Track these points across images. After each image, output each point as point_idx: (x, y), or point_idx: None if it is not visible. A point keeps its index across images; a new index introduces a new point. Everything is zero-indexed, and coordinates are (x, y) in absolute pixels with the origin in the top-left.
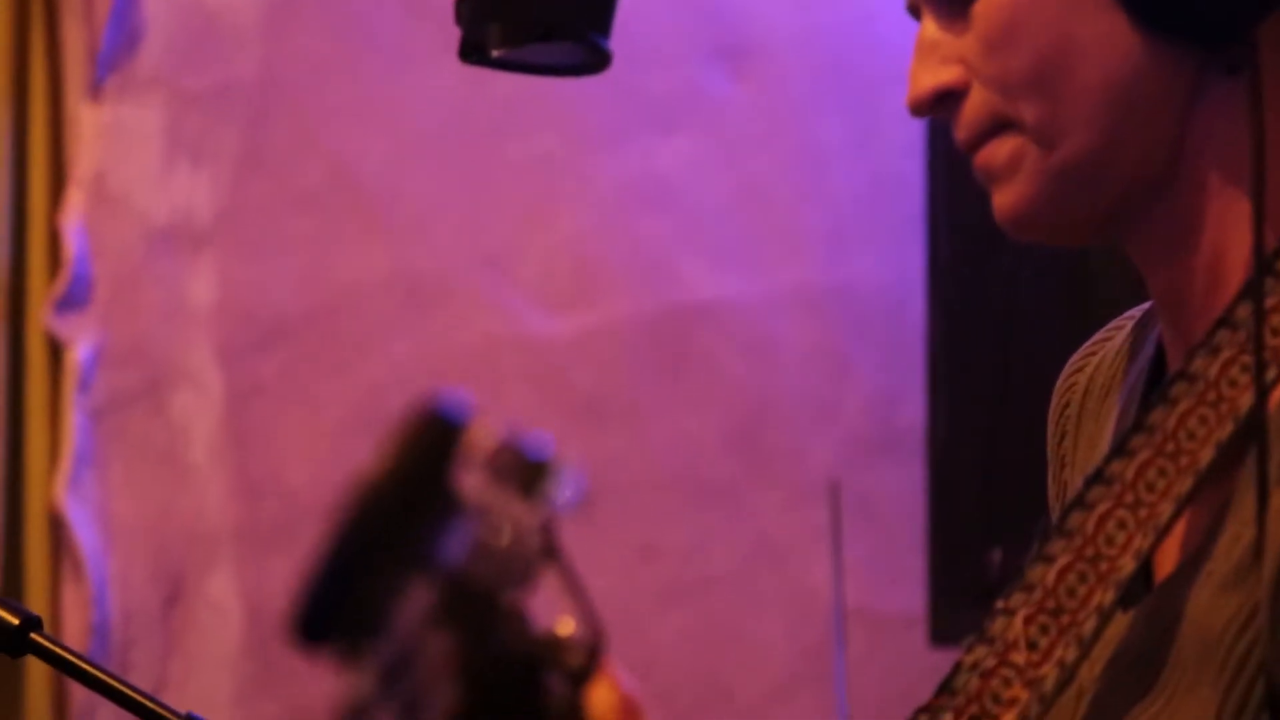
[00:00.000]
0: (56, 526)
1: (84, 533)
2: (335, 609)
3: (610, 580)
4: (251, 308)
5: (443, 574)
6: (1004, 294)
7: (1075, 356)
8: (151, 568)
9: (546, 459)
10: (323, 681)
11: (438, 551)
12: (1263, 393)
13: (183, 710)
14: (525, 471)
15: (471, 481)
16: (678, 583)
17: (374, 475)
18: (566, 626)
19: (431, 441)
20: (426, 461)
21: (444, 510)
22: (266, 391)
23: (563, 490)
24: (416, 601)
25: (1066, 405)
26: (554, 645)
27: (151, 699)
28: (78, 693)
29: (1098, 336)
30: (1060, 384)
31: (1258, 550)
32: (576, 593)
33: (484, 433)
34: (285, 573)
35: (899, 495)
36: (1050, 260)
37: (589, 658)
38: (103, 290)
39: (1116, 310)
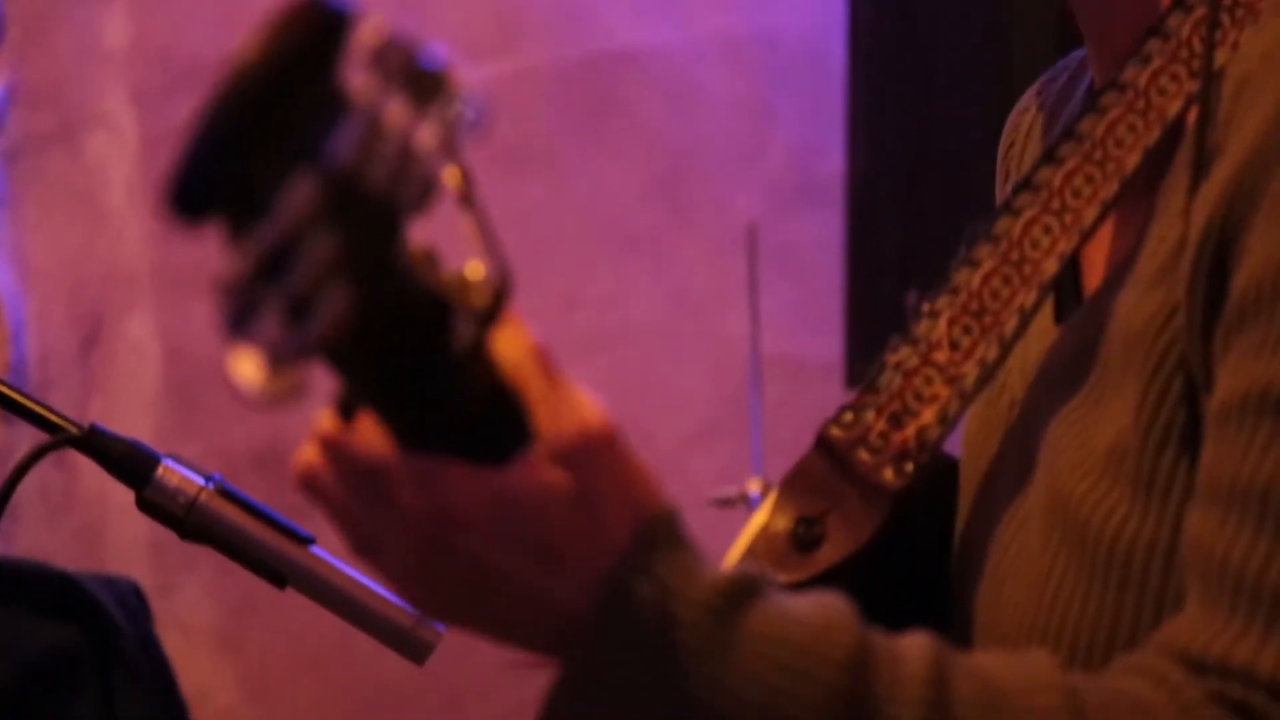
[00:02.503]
0: None
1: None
2: (210, 182)
3: (533, 328)
4: (166, 50)
5: (326, 168)
6: (925, 43)
7: (1022, 100)
8: (69, 309)
9: (440, 69)
10: (244, 422)
11: (320, 145)
12: (1211, 50)
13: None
14: (417, 78)
15: (358, 79)
16: (598, 332)
17: (249, 55)
18: (475, 271)
19: (311, 28)
20: (305, 47)
21: (326, 103)
22: (182, 135)
23: (462, 110)
24: (298, 192)
25: (1011, 145)
26: (460, 286)
27: (45, 405)
28: None
29: (1044, 78)
30: (1007, 126)
31: (1181, 245)
32: (486, 236)
33: (371, 27)
34: (204, 315)
35: (818, 243)
36: (971, 8)
37: (495, 299)
38: (14, 30)
39: (1036, 61)
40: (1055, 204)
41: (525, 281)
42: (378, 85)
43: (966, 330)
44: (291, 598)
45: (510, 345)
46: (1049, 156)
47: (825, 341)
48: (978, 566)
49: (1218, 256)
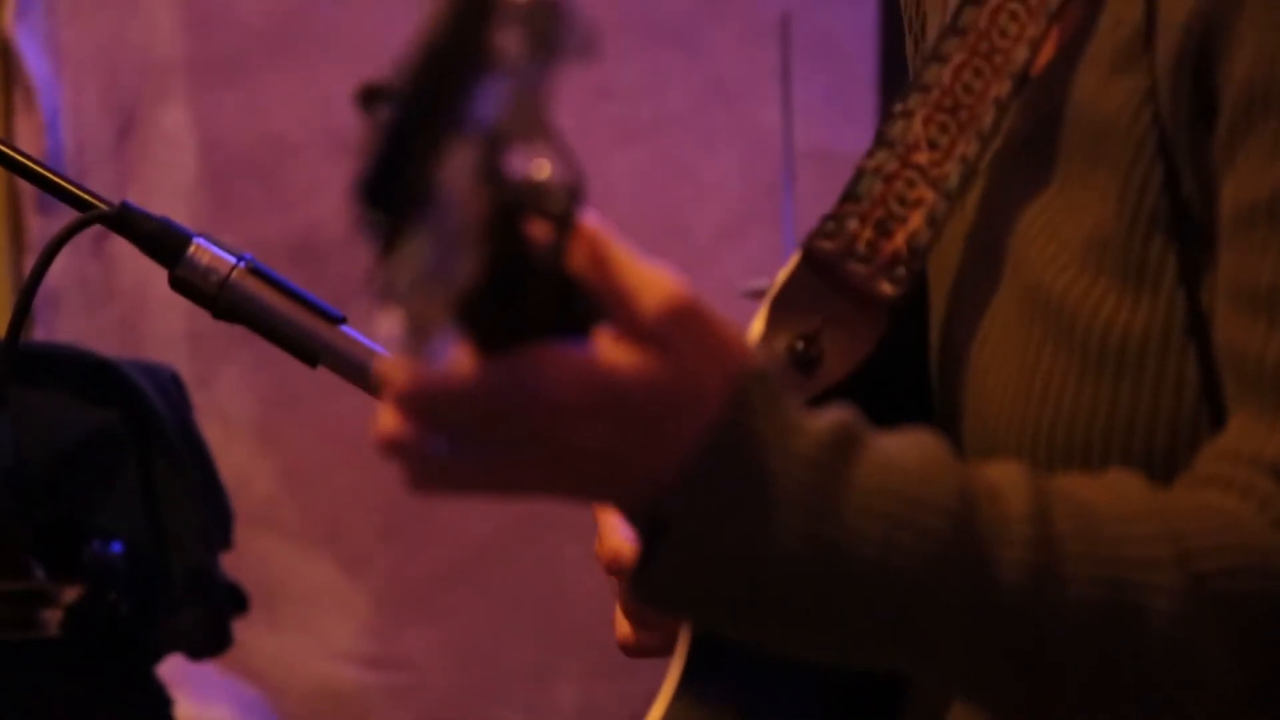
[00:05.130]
0: (6, 56)
1: (35, 62)
2: (397, 175)
3: (565, 119)
4: None
5: (482, 134)
6: None
7: None
8: (104, 98)
9: (558, 4)
10: (280, 213)
11: (474, 112)
12: None
13: None
14: (547, 21)
15: (506, 38)
16: (632, 121)
17: (422, 41)
18: (542, 170)
19: (472, 4)
20: (468, 23)
21: (482, 70)
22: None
23: (573, 35)
24: (461, 165)
25: None
26: (534, 191)
27: (79, 185)
28: (33, 226)
29: None
30: None
31: (1149, 30)
32: (556, 139)
33: None
34: (237, 105)
35: (852, 34)
36: None
37: (570, 201)
38: None
39: None
40: None
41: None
42: (523, 39)
43: (943, 128)
44: (330, 390)
45: (579, 239)
46: None
47: (859, 133)
48: (958, 361)
49: (1203, 45)
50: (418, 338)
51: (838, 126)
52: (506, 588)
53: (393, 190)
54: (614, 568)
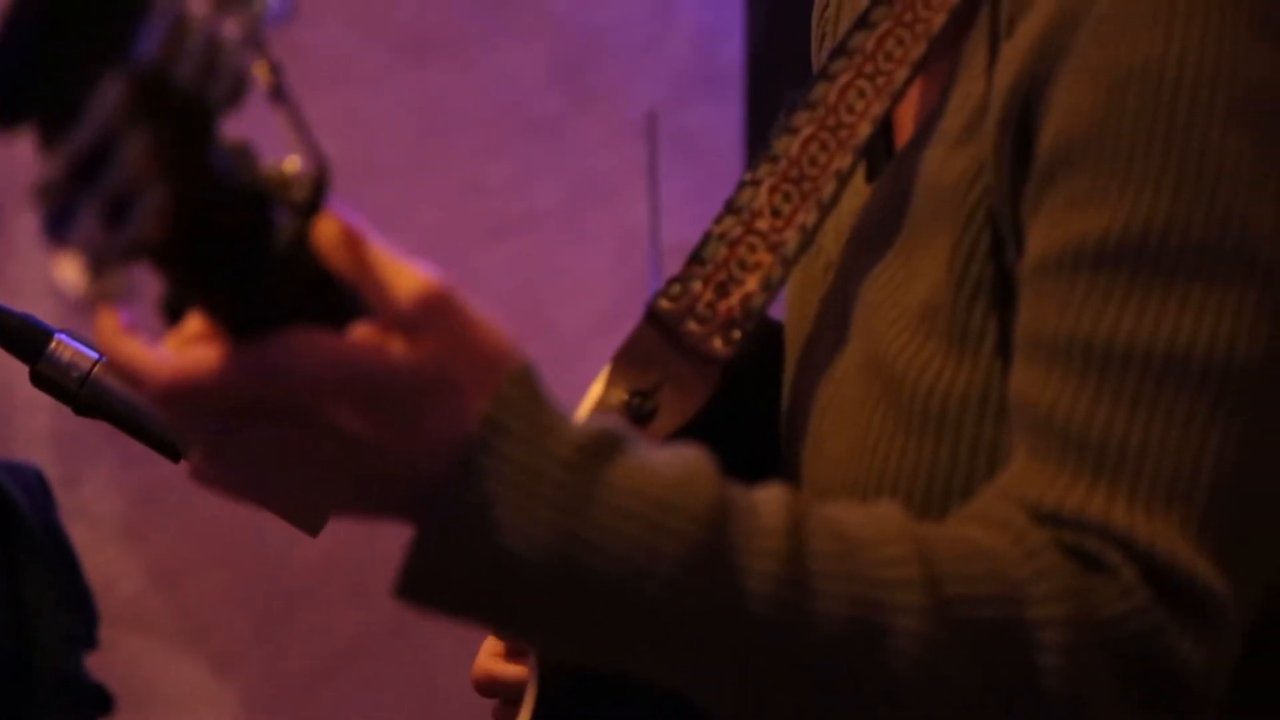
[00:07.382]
0: None
1: None
2: (19, 90)
3: (436, 215)
4: None
5: (134, 67)
6: None
7: None
8: None
9: None
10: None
11: (127, 45)
12: None
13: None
14: None
15: None
16: (502, 218)
17: None
18: (293, 164)
19: None
20: None
21: (130, 3)
22: None
23: (265, 2)
24: (109, 93)
25: (825, 7)
26: (279, 181)
27: None
28: None
29: None
30: None
31: (986, 103)
32: (300, 130)
33: None
34: None
35: (719, 131)
36: None
37: (315, 191)
38: None
39: None
40: (869, 68)
41: (429, 167)
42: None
43: (787, 197)
44: (198, 490)
45: (331, 231)
46: (862, 22)
47: None
48: (801, 427)
49: (1024, 112)
50: (98, 286)
51: (704, 222)
52: (378, 686)
53: (24, 103)
54: (484, 685)
